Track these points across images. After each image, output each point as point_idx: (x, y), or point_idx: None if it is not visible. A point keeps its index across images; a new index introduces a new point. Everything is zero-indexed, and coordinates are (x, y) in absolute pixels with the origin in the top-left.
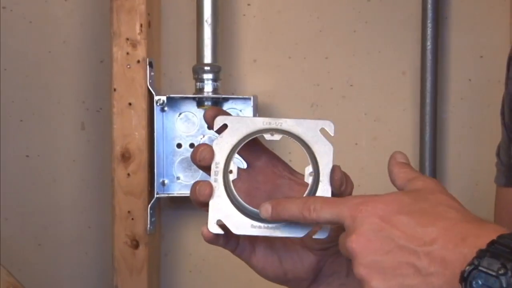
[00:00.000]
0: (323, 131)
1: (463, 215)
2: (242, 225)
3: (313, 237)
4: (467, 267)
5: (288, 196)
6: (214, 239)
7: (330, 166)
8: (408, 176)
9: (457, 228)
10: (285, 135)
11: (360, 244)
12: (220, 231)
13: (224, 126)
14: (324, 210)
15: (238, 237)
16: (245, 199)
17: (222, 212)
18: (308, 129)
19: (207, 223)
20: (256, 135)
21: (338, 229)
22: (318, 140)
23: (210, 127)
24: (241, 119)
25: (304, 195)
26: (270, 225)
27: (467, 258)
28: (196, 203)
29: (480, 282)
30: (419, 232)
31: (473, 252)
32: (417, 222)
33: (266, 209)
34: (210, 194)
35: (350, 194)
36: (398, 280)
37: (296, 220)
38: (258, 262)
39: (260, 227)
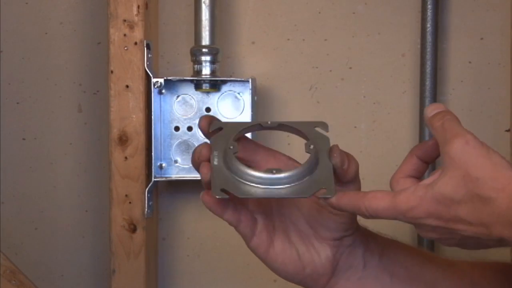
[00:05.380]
0: (318, 129)
1: (505, 195)
2: (246, 190)
3: (319, 196)
4: None
5: None
6: (218, 206)
7: (328, 147)
8: (440, 138)
9: (505, 216)
10: (281, 124)
11: (434, 238)
12: (225, 196)
13: (220, 129)
14: (380, 217)
15: (247, 209)
16: None
17: (225, 180)
18: (303, 126)
19: (206, 191)
20: (253, 124)
21: (350, 217)
22: (314, 133)
23: (205, 133)
24: (236, 123)
25: (305, 167)
26: (274, 187)
27: None
28: (197, 166)
29: None
30: (475, 225)
31: None
32: (467, 216)
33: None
34: (208, 155)
35: (356, 173)
36: (483, 247)
37: None
38: (277, 256)
39: (264, 190)
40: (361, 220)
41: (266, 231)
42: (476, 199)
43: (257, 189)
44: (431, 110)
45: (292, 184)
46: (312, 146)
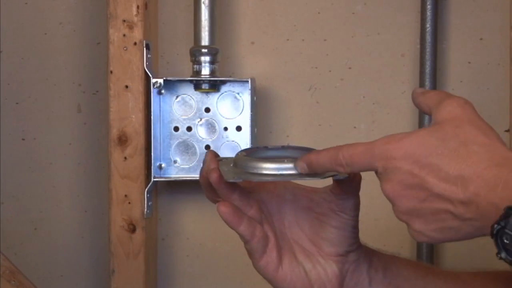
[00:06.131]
0: None
1: (492, 156)
2: (259, 178)
3: (333, 178)
4: (495, 225)
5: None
6: (234, 217)
7: None
8: (434, 100)
9: (487, 174)
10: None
11: (396, 193)
12: (238, 180)
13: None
14: (356, 164)
15: (261, 225)
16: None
17: (236, 173)
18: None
19: (222, 202)
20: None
21: (353, 231)
22: None
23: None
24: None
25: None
26: (286, 173)
27: (499, 210)
28: (205, 179)
29: (508, 242)
30: (451, 179)
31: (503, 204)
32: (448, 167)
33: (302, 167)
34: (215, 156)
35: (359, 185)
36: (438, 224)
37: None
38: (286, 274)
39: (277, 176)
40: (361, 238)
41: (276, 249)
42: (466, 148)
43: (270, 176)
44: (419, 89)
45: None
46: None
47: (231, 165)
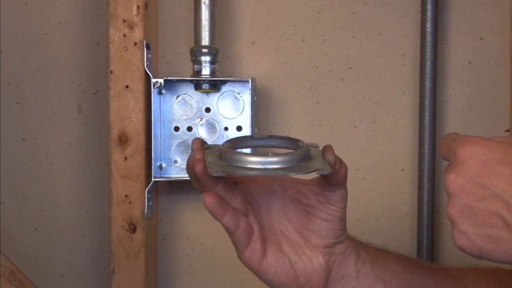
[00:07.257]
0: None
1: None
2: (243, 171)
3: (316, 173)
4: None
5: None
6: (218, 208)
7: (320, 150)
8: None
9: None
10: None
11: (457, 185)
12: (222, 174)
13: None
14: (441, 147)
15: (246, 217)
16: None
17: (221, 166)
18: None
19: (207, 192)
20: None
21: (340, 223)
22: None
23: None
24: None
25: (299, 152)
26: (271, 167)
27: None
28: (191, 170)
29: None
30: None
31: None
32: None
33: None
34: (202, 156)
35: (345, 177)
36: (486, 230)
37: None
38: (270, 266)
39: (261, 170)
40: (348, 230)
41: (261, 240)
42: None
43: (254, 170)
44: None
45: (288, 166)
46: (304, 143)
47: (217, 154)
